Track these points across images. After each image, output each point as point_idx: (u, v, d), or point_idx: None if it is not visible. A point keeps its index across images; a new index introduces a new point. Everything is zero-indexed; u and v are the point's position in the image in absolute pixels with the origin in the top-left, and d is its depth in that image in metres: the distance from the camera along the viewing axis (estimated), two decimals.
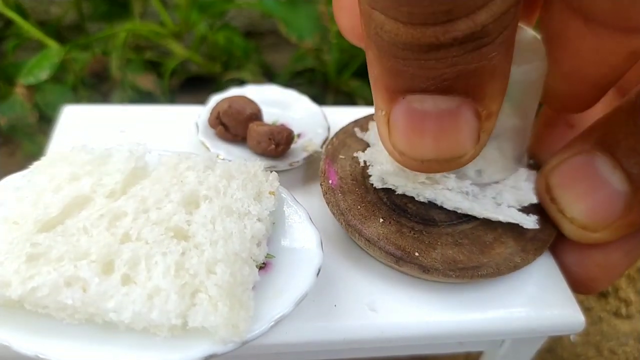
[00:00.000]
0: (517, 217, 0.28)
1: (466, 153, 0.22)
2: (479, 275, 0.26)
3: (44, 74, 0.60)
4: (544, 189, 0.28)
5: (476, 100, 0.21)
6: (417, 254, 0.26)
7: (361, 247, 0.28)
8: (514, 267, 0.27)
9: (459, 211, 0.28)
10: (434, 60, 0.19)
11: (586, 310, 0.55)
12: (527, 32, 0.25)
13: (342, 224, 0.28)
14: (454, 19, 0.17)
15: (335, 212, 0.28)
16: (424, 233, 0.27)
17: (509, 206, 0.28)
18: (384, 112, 0.22)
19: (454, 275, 0.26)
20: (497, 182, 0.29)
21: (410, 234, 0.27)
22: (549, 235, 0.28)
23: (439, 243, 0.27)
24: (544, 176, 0.28)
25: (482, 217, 0.28)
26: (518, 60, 0.24)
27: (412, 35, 0.18)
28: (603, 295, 0.57)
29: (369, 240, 0.27)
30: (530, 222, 0.27)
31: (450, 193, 0.28)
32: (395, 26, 0.18)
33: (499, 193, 0.29)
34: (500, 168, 0.28)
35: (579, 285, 0.29)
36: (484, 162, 0.28)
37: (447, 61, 0.18)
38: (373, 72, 0.22)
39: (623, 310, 0.55)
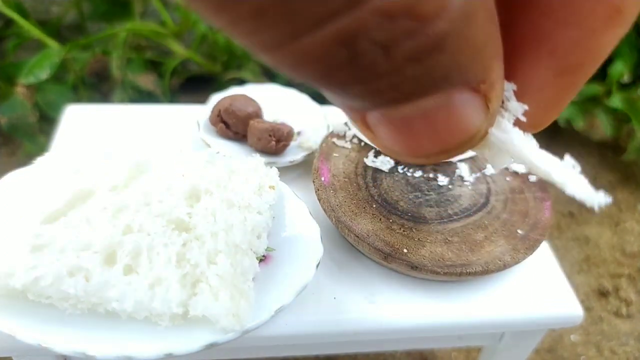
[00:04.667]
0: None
1: (479, 128, 0.17)
2: (467, 273, 0.26)
3: (44, 74, 0.60)
4: None
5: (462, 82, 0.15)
6: (405, 250, 0.26)
7: (351, 244, 0.29)
8: (504, 266, 0.26)
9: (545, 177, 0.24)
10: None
11: (586, 310, 0.55)
12: None
13: (332, 220, 0.28)
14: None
15: (327, 208, 0.28)
16: (414, 230, 0.27)
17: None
18: (357, 122, 0.15)
19: (441, 273, 0.26)
20: None
21: (400, 230, 0.27)
22: (541, 235, 0.28)
23: (428, 240, 0.27)
24: None
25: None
26: None
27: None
28: (603, 295, 0.57)
29: (358, 237, 0.27)
30: (598, 199, 0.23)
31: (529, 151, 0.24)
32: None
33: None
34: None
35: None
36: None
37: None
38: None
39: (623, 310, 0.56)
